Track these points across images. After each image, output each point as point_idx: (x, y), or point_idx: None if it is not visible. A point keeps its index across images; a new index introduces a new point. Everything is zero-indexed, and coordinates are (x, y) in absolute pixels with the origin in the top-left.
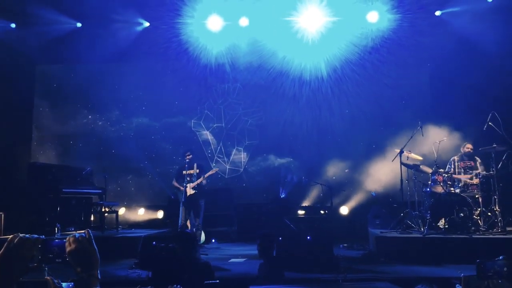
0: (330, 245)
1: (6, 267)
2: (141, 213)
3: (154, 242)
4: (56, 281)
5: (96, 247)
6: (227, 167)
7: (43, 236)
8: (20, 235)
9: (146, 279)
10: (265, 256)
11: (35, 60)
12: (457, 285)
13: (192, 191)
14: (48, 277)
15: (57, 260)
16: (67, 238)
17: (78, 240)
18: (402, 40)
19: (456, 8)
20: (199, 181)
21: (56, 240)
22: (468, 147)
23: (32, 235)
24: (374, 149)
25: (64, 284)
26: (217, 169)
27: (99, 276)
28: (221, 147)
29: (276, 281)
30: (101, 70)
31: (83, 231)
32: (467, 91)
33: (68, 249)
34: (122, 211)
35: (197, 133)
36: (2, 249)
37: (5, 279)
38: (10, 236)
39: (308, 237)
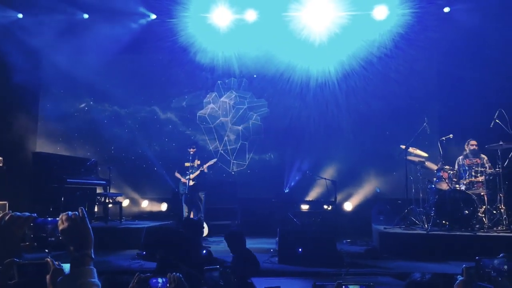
0: (333, 240)
1: None
2: (144, 205)
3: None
4: (56, 262)
5: (90, 226)
6: (232, 161)
7: (35, 214)
8: (11, 212)
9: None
10: (235, 251)
11: (41, 51)
12: (459, 276)
13: (192, 182)
14: (48, 259)
15: (49, 239)
16: (60, 216)
17: (71, 218)
18: (410, 35)
19: (465, 5)
20: (199, 171)
21: (49, 219)
22: (473, 144)
23: (24, 213)
24: (380, 145)
25: (65, 266)
26: (215, 159)
27: (92, 256)
28: (225, 141)
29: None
30: (108, 62)
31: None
32: (475, 87)
33: (61, 227)
34: (126, 202)
35: (202, 126)
36: None
37: None
38: (1, 214)
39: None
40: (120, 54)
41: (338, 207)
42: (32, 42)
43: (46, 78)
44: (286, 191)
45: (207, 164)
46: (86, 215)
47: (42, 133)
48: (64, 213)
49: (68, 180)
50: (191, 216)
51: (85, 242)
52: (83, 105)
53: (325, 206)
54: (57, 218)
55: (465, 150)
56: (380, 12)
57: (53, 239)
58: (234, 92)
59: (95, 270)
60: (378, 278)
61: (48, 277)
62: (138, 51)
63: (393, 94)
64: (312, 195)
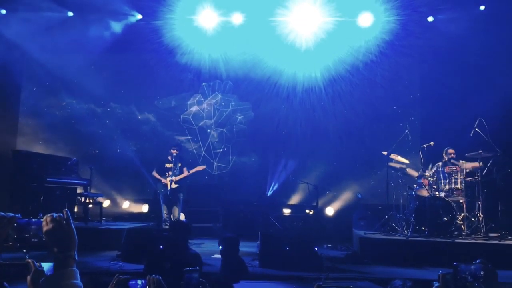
0: (314, 244)
1: None
2: (126, 206)
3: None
4: (37, 264)
5: (74, 228)
6: (215, 163)
7: (19, 215)
8: None
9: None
10: (229, 256)
11: (24, 48)
12: (435, 282)
13: (175, 185)
14: (29, 260)
15: (33, 239)
16: (44, 218)
17: (56, 219)
18: (395, 42)
19: (448, 14)
20: (184, 175)
21: (33, 220)
22: (451, 152)
23: (7, 213)
24: (363, 151)
25: (45, 266)
26: (204, 166)
27: (76, 257)
28: (209, 143)
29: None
30: (92, 61)
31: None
32: (457, 95)
33: (45, 228)
34: (106, 203)
35: (186, 127)
36: None
37: None
38: None
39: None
40: (106, 54)
41: (319, 211)
42: (15, 39)
43: (27, 75)
44: (269, 194)
45: (193, 170)
46: (70, 217)
47: (23, 131)
48: (49, 215)
49: (48, 179)
50: (172, 217)
51: (69, 243)
52: (65, 103)
53: (307, 211)
54: (41, 219)
55: (444, 158)
56: (365, 19)
57: (36, 240)
58: (219, 95)
59: (78, 271)
60: (357, 283)
61: (28, 278)
62: (124, 51)
63: (378, 99)
64: (295, 199)
